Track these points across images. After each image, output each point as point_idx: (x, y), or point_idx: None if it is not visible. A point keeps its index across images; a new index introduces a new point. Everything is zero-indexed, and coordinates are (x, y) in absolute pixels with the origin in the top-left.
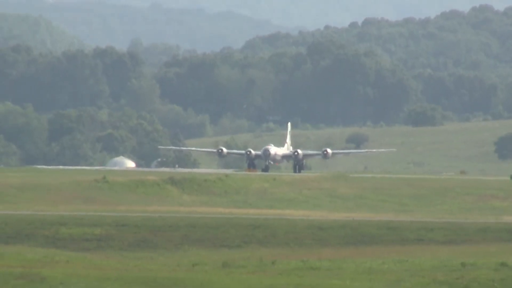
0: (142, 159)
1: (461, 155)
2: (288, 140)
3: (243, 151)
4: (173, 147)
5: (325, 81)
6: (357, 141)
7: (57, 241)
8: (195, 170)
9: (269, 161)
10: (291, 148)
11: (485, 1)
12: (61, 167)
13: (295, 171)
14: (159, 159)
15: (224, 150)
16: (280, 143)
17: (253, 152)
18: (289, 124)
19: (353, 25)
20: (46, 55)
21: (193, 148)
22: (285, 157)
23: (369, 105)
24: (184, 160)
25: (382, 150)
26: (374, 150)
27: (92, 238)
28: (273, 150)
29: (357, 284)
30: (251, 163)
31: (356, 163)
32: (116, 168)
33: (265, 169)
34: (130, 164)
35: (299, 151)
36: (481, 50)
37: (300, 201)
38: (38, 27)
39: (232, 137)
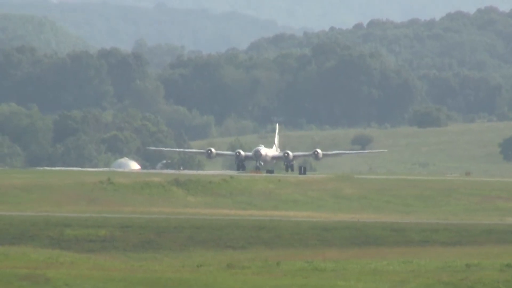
0: (147, 160)
1: (466, 156)
2: (276, 141)
3: (233, 152)
4: (164, 148)
5: (330, 82)
6: (362, 142)
7: (61, 242)
8: (200, 172)
9: (260, 162)
10: (278, 149)
11: (490, 2)
12: (66, 168)
13: (296, 171)
14: (164, 161)
15: (213, 151)
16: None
17: (242, 153)
18: (277, 125)
19: (358, 26)
20: (51, 56)
21: (183, 149)
22: (275, 158)
23: (374, 106)
24: (189, 161)
25: (376, 151)
26: (366, 151)
27: (96, 239)
28: (264, 151)
29: (361, 285)
30: (241, 164)
31: (361, 164)
32: (120, 169)
33: (269, 171)
34: (135, 165)
35: (289, 152)
36: (486, 51)
37: (305, 202)
38: (42, 28)
39: (237, 138)
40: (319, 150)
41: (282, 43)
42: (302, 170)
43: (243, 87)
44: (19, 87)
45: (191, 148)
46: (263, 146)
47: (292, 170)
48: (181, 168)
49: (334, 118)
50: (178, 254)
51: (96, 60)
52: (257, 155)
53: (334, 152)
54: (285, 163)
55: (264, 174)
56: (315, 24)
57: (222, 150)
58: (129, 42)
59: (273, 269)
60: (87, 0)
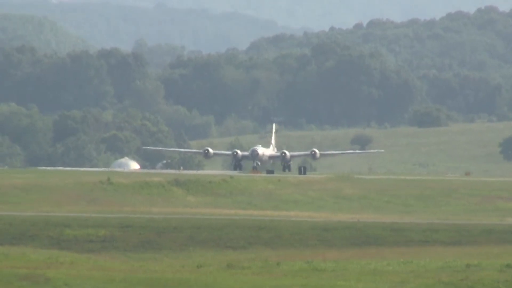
0: (147, 160)
1: (466, 156)
2: (273, 140)
3: (230, 152)
4: (157, 148)
5: (329, 82)
6: (361, 142)
7: (61, 242)
8: (200, 171)
9: (257, 161)
10: (275, 149)
11: (490, 2)
12: (65, 168)
13: (293, 171)
14: (164, 161)
15: (210, 150)
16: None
17: (239, 152)
18: (274, 124)
19: (358, 26)
20: (51, 56)
21: (180, 149)
22: (272, 157)
23: (373, 106)
24: (189, 161)
25: (373, 151)
26: (364, 151)
27: (96, 239)
28: (261, 150)
29: (361, 285)
30: (238, 164)
31: (361, 164)
32: (120, 169)
33: (269, 171)
34: (135, 165)
35: (286, 152)
36: (486, 51)
37: (305, 202)
38: (42, 28)
39: (237, 137)
40: (316, 150)
41: (282, 43)
42: (302, 170)
43: (243, 87)
44: (19, 87)
45: (191, 148)
46: (260, 146)
47: (290, 170)
48: (181, 168)
49: (334, 118)
50: (178, 254)
51: (96, 60)
52: (254, 154)
53: (331, 152)
54: (283, 163)
55: (264, 174)
56: (315, 24)
57: (223, 150)
58: (129, 42)
59: (273, 269)
60: (87, 0)
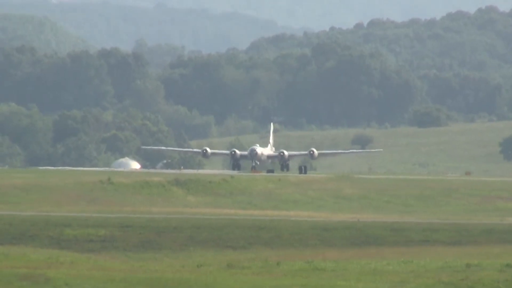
0: (147, 160)
1: (466, 156)
2: (271, 140)
3: (228, 151)
4: (155, 147)
5: (330, 82)
6: (362, 142)
7: (61, 242)
8: (200, 171)
9: (256, 161)
10: (273, 148)
11: (490, 2)
12: (66, 168)
13: (292, 171)
14: (164, 161)
15: (209, 150)
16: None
17: (238, 152)
18: (271, 124)
19: (358, 26)
20: (51, 56)
21: (177, 149)
22: (270, 157)
23: (374, 106)
24: (189, 161)
25: (372, 150)
26: (363, 151)
27: (96, 239)
28: (259, 150)
29: (361, 285)
30: (236, 163)
31: (361, 164)
32: (121, 169)
33: (269, 170)
34: (135, 165)
35: (285, 151)
36: (486, 51)
37: (305, 202)
38: (43, 28)
39: (237, 137)
40: (314, 149)
41: (282, 43)
42: (303, 169)
43: (243, 87)
44: (19, 87)
45: (192, 148)
46: (258, 145)
47: (288, 169)
48: (182, 168)
49: (334, 118)
50: (178, 254)
51: (96, 60)
52: (253, 154)
53: (330, 151)
54: (281, 162)
55: (264, 174)
56: (315, 24)
57: (223, 150)
58: (129, 42)
59: (273, 269)
60: (87, 0)
